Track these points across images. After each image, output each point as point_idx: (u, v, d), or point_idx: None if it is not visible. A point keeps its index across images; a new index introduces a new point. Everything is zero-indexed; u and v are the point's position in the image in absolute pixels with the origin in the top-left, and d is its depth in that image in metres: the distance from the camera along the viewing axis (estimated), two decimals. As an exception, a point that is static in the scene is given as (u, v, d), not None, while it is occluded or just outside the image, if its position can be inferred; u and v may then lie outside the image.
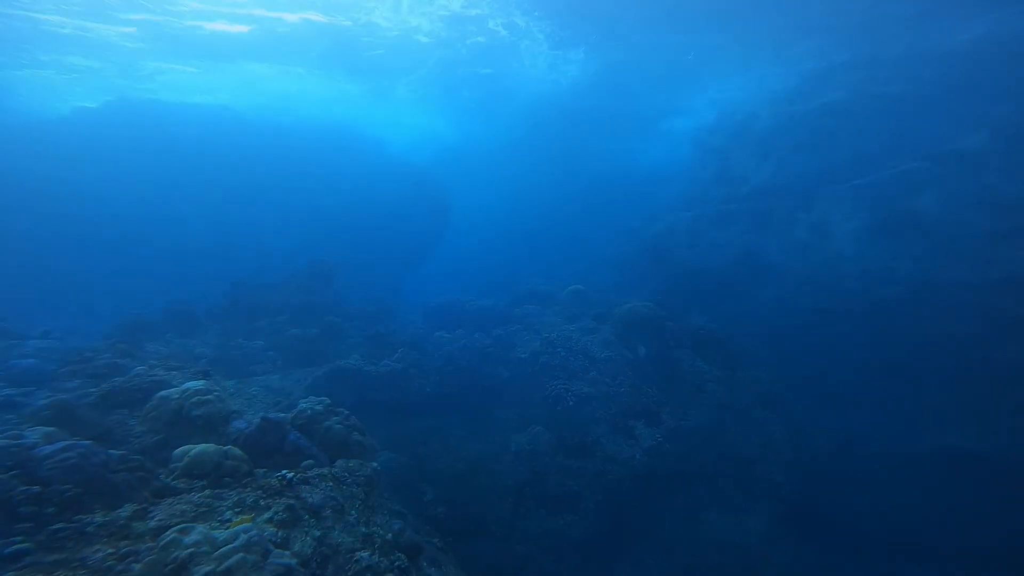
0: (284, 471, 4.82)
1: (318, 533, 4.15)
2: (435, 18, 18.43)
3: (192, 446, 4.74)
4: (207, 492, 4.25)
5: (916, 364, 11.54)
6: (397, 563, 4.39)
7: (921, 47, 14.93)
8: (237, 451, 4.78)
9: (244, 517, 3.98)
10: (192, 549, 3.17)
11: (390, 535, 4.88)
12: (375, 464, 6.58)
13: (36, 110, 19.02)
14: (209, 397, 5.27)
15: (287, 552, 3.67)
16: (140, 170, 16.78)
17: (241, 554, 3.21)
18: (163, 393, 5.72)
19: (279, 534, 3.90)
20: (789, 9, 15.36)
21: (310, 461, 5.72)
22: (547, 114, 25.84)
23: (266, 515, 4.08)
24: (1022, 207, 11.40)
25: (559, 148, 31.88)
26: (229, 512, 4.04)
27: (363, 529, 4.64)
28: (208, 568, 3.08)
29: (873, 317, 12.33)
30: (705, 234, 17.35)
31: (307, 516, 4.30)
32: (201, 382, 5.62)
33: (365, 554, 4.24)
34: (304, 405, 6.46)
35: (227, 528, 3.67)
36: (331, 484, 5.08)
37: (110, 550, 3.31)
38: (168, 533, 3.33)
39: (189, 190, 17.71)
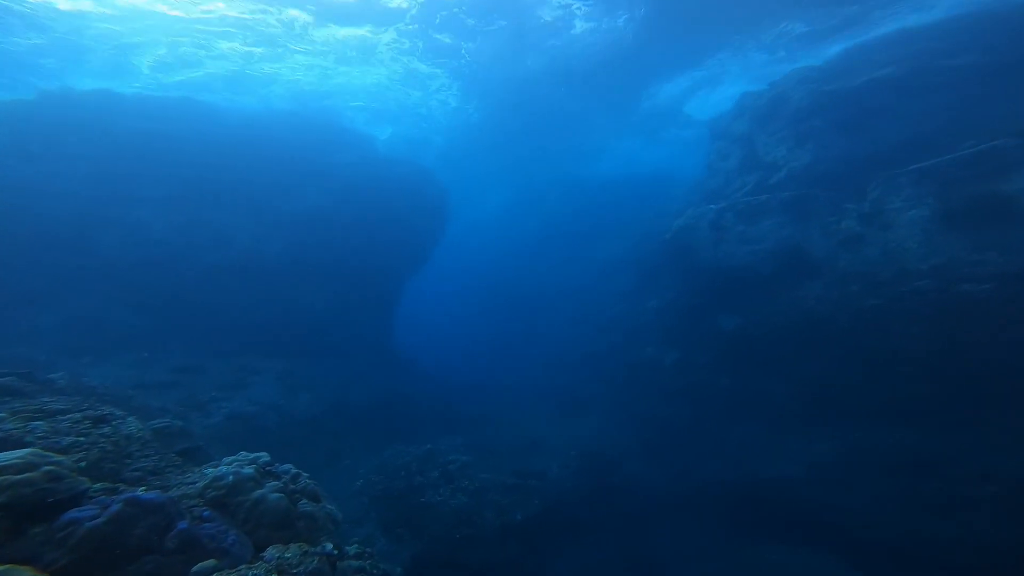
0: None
1: None
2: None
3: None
4: None
5: (1009, 375, 9.51)
6: None
7: (993, 11, 13.06)
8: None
9: None
10: None
11: None
12: (330, 547, 4.54)
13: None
14: (33, 475, 3.21)
15: None
16: (85, 170, 14.83)
17: None
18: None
19: None
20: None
21: (211, 561, 3.66)
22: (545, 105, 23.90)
23: None
24: None
25: (562, 145, 30.13)
26: None
27: None
28: None
29: (949, 319, 10.30)
30: (732, 229, 15.35)
31: None
32: (26, 450, 3.54)
33: None
34: (224, 469, 4.42)
35: None
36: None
37: None
38: None
39: (148, 191, 15.78)
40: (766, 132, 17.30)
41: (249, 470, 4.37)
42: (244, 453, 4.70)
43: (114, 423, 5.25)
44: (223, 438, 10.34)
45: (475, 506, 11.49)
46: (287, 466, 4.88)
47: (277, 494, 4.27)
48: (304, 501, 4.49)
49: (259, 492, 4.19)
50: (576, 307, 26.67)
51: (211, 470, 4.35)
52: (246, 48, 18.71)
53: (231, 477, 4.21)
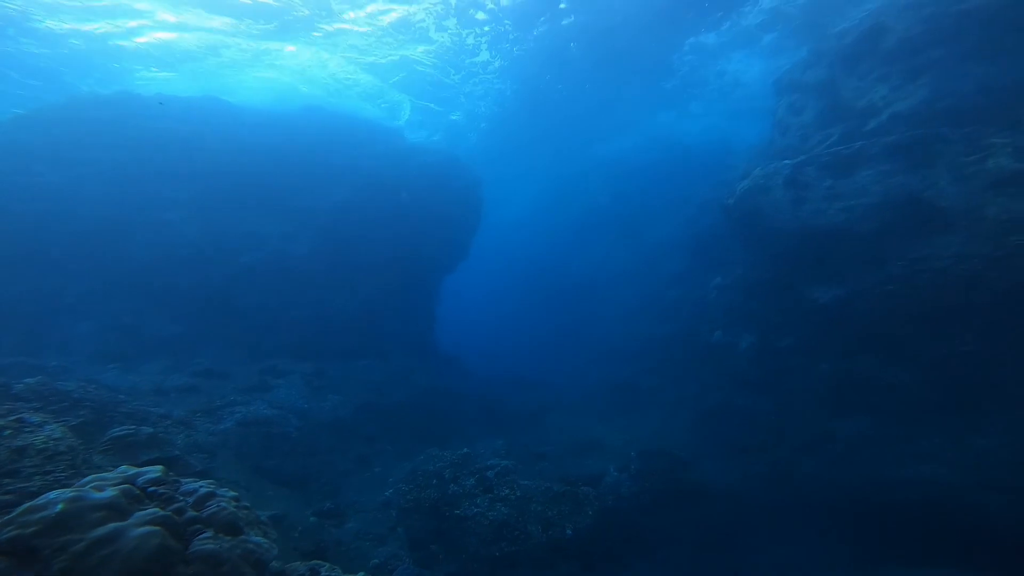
0: None
1: None
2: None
3: None
4: None
5: None
6: None
7: None
8: None
9: None
10: None
11: None
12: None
13: None
14: None
15: None
16: (113, 174, 14.52)
17: None
18: None
19: None
20: None
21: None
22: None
23: None
24: None
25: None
26: None
27: None
28: None
29: None
30: (816, 185, 12.71)
31: None
32: None
33: None
34: (56, 495, 2.96)
35: None
36: None
37: None
38: None
39: (176, 193, 15.34)
40: (856, 74, 14.51)
41: (109, 493, 2.92)
42: (125, 467, 3.30)
43: (6, 434, 4.02)
44: (234, 445, 9.29)
45: (517, 518, 9.82)
46: (197, 484, 3.45)
47: (149, 528, 2.79)
48: (208, 535, 3.01)
49: (112, 527, 2.73)
50: (627, 294, 24.66)
51: (55, 493, 2.93)
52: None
53: (60, 506, 2.77)
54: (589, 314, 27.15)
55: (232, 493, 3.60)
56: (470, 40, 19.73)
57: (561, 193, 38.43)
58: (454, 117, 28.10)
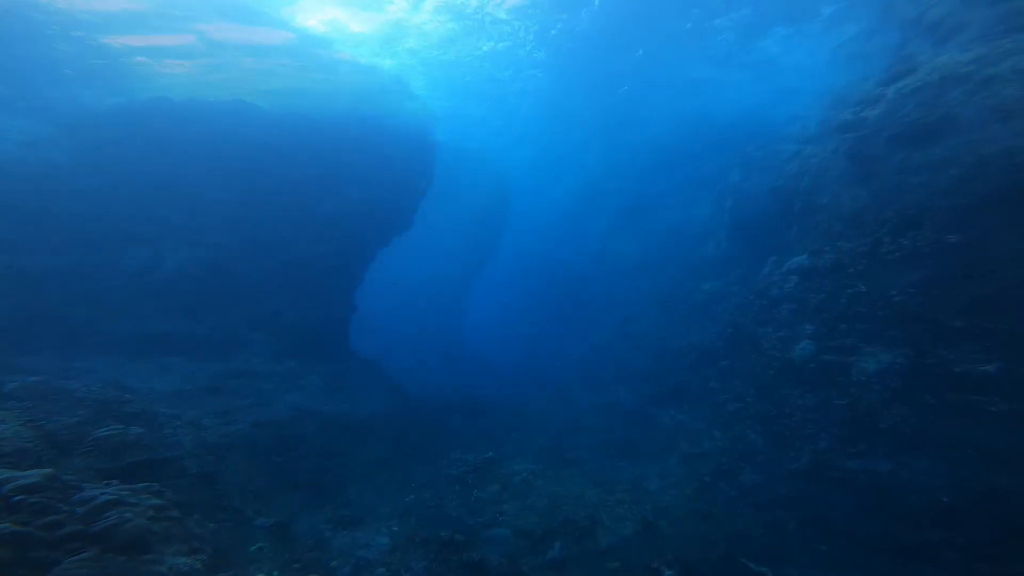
0: None
1: None
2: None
3: None
4: None
5: None
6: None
7: None
8: None
9: None
10: None
11: None
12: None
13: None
14: None
15: None
16: (147, 178, 14.76)
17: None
18: None
19: None
20: None
21: None
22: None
23: None
24: None
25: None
26: None
27: None
28: None
29: None
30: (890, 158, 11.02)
31: None
32: None
33: None
34: None
35: None
36: None
37: None
38: None
39: (209, 194, 15.49)
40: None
41: None
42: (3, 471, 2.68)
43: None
44: (246, 446, 8.91)
45: (545, 530, 8.85)
46: (100, 491, 2.80)
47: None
48: (88, 555, 2.33)
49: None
50: (632, 289, 21.47)
51: None
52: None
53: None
54: (581, 315, 23.42)
55: (155, 501, 2.98)
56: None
57: (597, 181, 33.45)
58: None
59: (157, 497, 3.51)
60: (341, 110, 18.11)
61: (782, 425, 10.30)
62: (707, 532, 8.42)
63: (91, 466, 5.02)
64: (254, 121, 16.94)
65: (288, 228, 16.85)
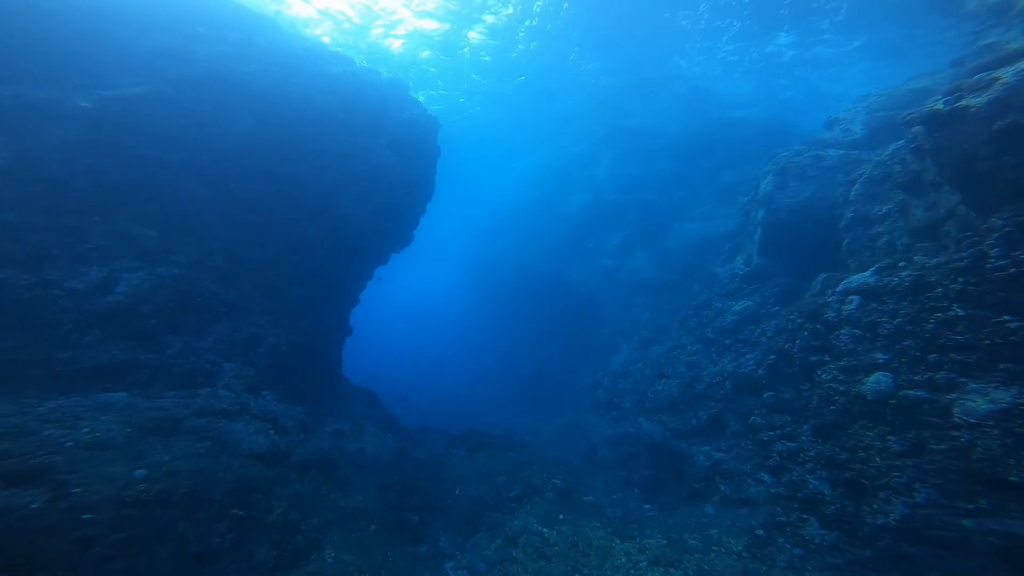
0: None
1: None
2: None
3: None
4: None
5: None
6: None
7: None
8: None
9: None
10: None
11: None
12: None
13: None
14: None
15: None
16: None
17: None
18: None
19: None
20: None
21: None
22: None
23: None
24: None
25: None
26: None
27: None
28: None
29: None
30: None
31: None
32: None
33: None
34: None
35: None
36: None
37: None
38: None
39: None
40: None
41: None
42: None
43: None
44: (187, 504, 7.13)
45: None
46: None
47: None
48: None
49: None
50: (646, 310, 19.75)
51: None
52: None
53: None
54: (594, 337, 21.77)
55: None
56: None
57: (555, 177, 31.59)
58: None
59: None
60: (334, 116, 16.75)
61: (856, 471, 8.41)
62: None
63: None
64: (237, 125, 15.51)
65: (274, 243, 15.27)
